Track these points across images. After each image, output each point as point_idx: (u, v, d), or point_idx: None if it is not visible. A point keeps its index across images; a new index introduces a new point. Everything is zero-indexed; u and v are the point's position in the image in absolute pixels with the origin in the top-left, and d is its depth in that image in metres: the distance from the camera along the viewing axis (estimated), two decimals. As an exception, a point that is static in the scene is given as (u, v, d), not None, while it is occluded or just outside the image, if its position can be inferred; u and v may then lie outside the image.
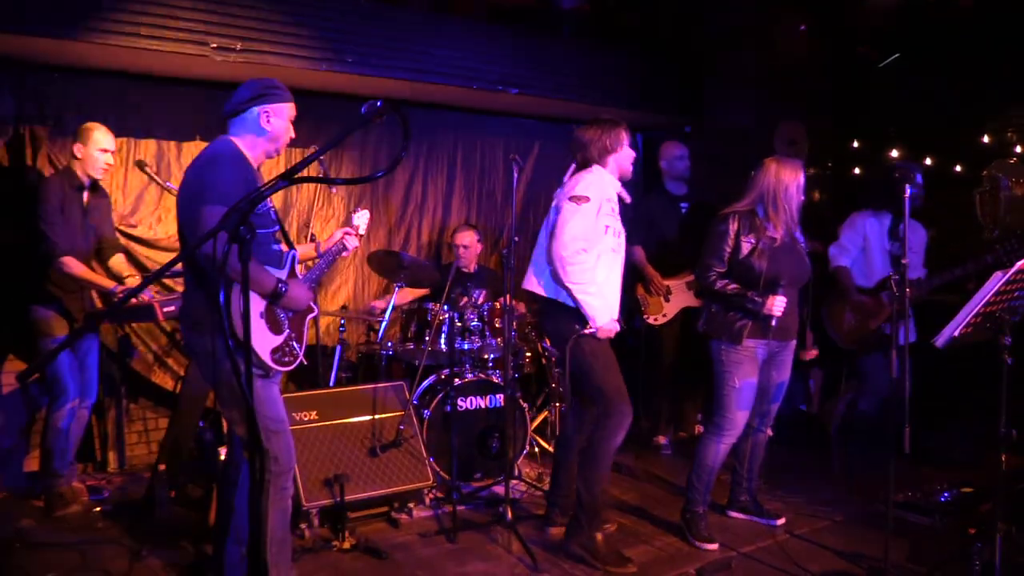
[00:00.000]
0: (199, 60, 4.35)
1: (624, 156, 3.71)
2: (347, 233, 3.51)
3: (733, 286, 3.72)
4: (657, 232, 5.35)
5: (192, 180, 2.87)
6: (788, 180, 3.71)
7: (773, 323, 3.67)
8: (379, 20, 4.89)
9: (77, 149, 4.03)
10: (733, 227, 3.74)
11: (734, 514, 4.18)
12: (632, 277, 5.42)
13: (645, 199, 5.50)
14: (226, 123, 2.98)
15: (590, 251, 3.54)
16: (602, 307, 3.56)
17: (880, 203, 4.71)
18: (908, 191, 3.27)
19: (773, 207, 3.73)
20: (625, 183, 3.77)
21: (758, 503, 4.17)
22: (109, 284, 4.03)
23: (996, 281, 3.02)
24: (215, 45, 4.29)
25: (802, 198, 3.79)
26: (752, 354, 3.76)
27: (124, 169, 4.76)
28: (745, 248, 3.72)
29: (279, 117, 2.98)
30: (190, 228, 2.87)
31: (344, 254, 3.50)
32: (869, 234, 4.70)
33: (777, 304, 3.64)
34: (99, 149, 4.03)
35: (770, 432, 4.09)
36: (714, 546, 3.79)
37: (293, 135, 3.09)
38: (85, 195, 4.11)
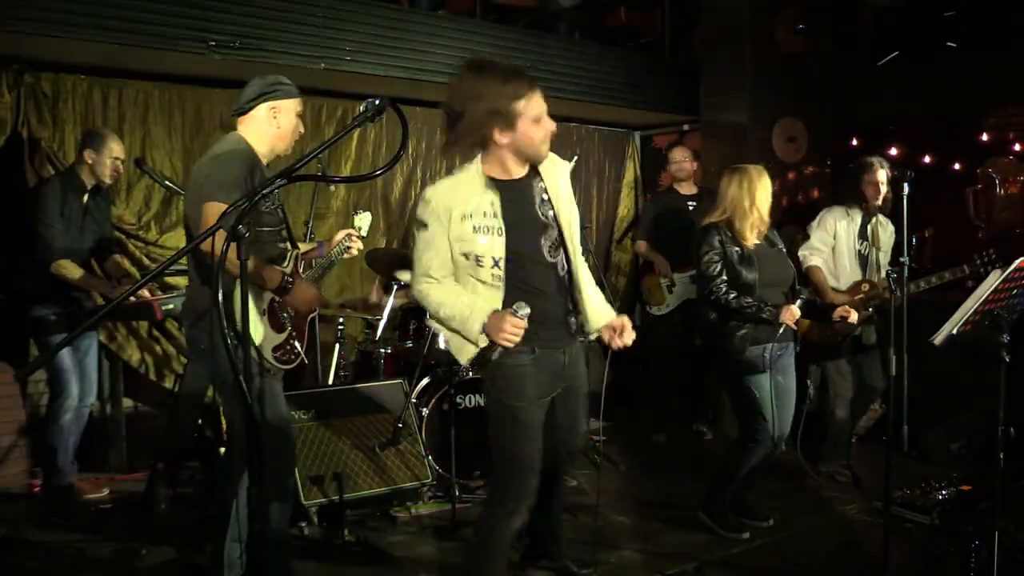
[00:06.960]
0: (198, 58, 4.35)
1: None
2: (349, 235, 3.42)
3: (747, 299, 3.73)
4: (664, 230, 5.59)
5: (198, 176, 2.89)
6: (754, 188, 3.77)
7: (781, 330, 3.71)
8: (377, 17, 4.89)
9: (87, 155, 4.03)
10: (718, 237, 3.79)
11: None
12: (636, 271, 6.13)
13: (655, 198, 5.98)
14: (236, 121, 3.01)
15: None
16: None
17: (851, 199, 4.60)
18: (906, 189, 3.26)
19: (743, 216, 3.78)
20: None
21: (744, 506, 4.09)
22: (104, 287, 4.04)
23: (994, 279, 3.02)
24: (214, 43, 4.29)
25: (770, 201, 3.83)
26: (761, 359, 3.76)
27: (124, 168, 4.74)
28: (734, 257, 3.76)
29: (286, 112, 3.00)
30: (195, 224, 2.89)
31: (346, 255, 3.41)
32: (839, 233, 4.58)
33: (792, 314, 3.69)
34: (112, 156, 4.05)
35: (783, 447, 3.96)
36: (745, 535, 3.83)
37: (302, 130, 3.10)
38: (85, 196, 4.11)
